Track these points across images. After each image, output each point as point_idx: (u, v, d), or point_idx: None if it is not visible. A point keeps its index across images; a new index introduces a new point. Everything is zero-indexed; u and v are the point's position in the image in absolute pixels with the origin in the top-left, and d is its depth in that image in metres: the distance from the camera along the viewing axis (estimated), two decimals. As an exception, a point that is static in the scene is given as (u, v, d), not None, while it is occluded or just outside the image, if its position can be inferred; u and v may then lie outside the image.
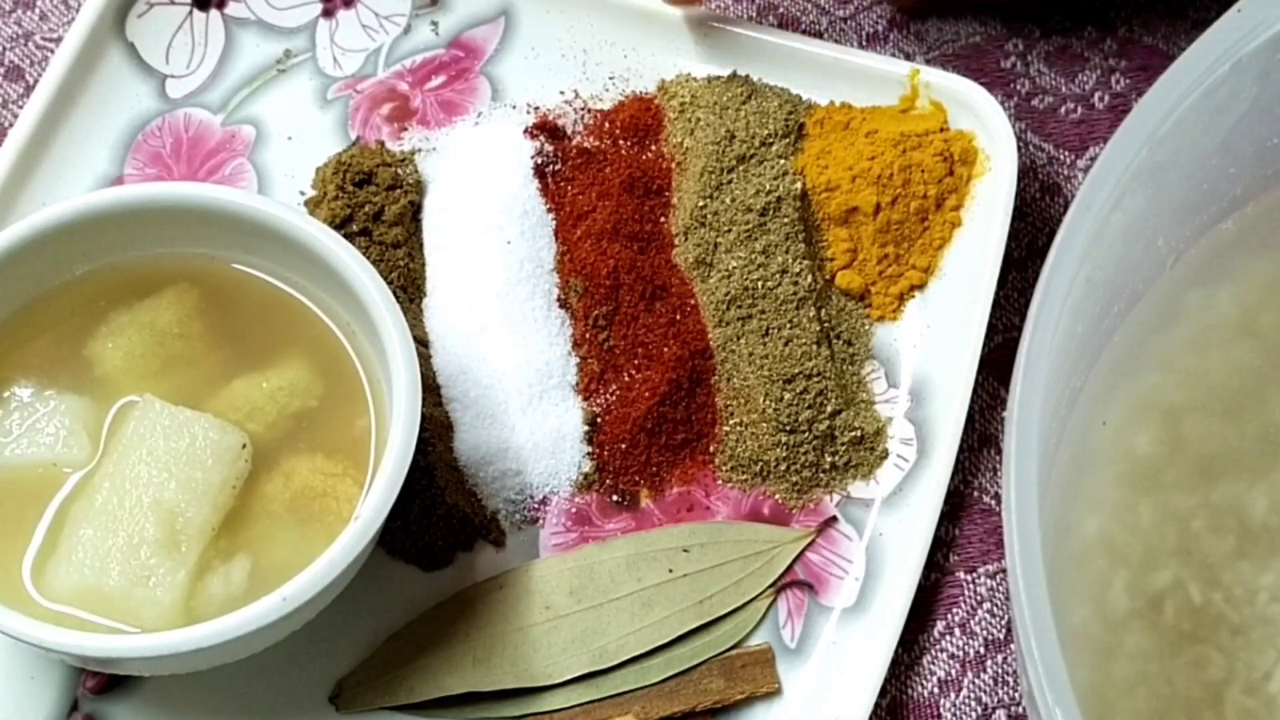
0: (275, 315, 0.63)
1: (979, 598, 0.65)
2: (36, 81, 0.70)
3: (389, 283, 0.60)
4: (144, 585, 0.57)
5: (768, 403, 0.65)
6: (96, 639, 0.55)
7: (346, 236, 0.65)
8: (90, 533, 0.57)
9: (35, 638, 0.55)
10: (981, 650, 0.64)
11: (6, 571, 0.58)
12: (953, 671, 0.64)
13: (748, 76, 0.71)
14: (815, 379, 0.65)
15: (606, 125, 0.71)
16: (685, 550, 0.64)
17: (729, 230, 0.68)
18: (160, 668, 0.59)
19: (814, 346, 0.66)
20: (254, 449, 0.60)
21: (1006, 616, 0.65)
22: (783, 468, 0.65)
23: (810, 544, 0.65)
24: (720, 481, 0.66)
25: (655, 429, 0.66)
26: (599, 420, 0.66)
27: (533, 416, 0.66)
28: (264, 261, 0.63)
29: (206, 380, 0.62)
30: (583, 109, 0.71)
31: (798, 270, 0.67)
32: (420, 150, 0.71)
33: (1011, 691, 0.64)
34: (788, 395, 0.65)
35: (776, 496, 0.66)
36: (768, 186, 0.68)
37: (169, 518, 0.58)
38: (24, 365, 0.61)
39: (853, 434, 0.65)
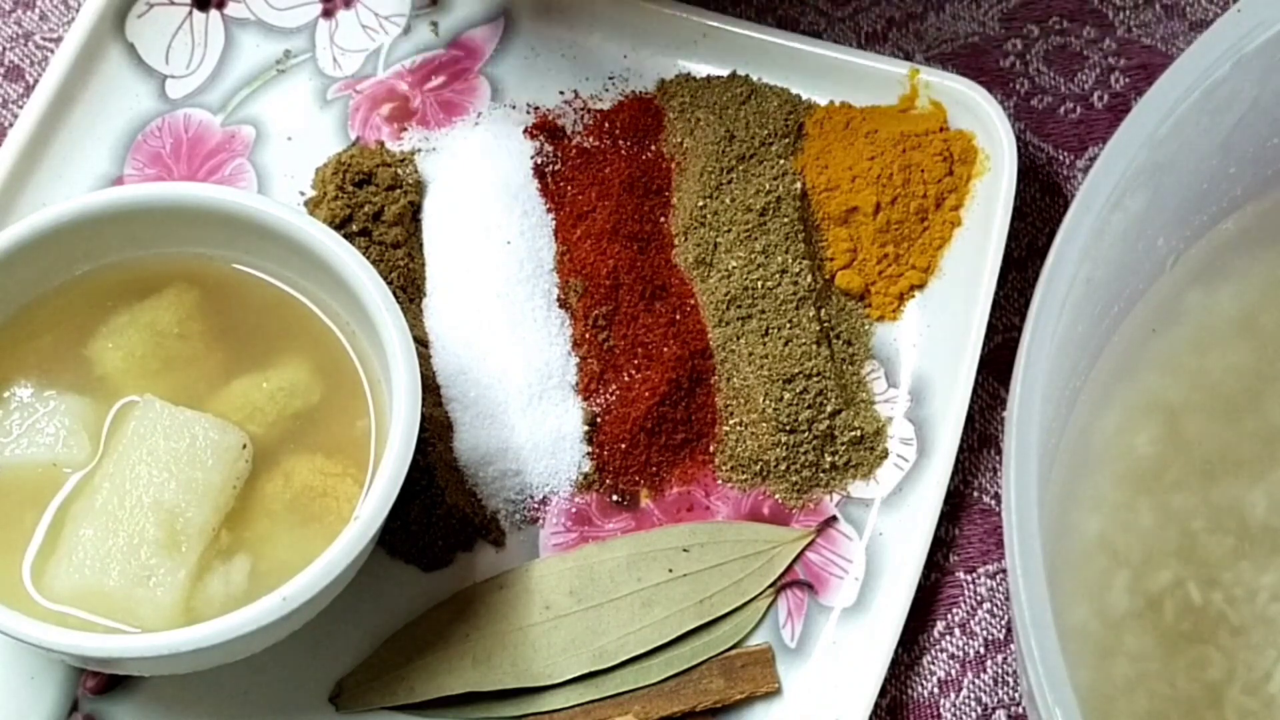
0: (275, 315, 0.63)
1: (979, 598, 0.65)
2: (36, 81, 0.70)
3: (389, 283, 0.60)
4: (144, 585, 0.57)
5: (768, 402, 0.65)
6: (96, 639, 0.55)
7: (346, 237, 0.65)
8: (90, 533, 0.57)
9: (35, 638, 0.55)
10: (981, 650, 0.64)
11: (6, 571, 0.58)
12: (953, 671, 0.64)
13: (748, 76, 0.71)
14: (815, 379, 0.65)
15: (606, 125, 0.71)
16: (685, 550, 0.64)
17: (729, 230, 0.68)
18: (160, 668, 0.59)
19: (814, 346, 0.66)
20: (254, 449, 0.60)
21: (1006, 616, 0.65)
22: (783, 468, 0.65)
23: (810, 544, 0.65)
24: (720, 481, 0.66)
25: (655, 429, 0.66)
26: (599, 420, 0.66)
27: (533, 416, 0.66)
28: (264, 261, 0.63)
29: (207, 380, 0.62)
30: (583, 109, 0.71)
31: (798, 270, 0.67)
32: (420, 150, 0.71)
33: (1011, 691, 0.64)
34: (788, 395, 0.65)
35: (776, 496, 0.66)
36: (768, 186, 0.68)
37: (169, 518, 0.58)
38: (24, 365, 0.61)
39: (852, 434, 0.65)
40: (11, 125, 0.70)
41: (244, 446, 0.59)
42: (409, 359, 0.59)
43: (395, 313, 0.59)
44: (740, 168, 0.69)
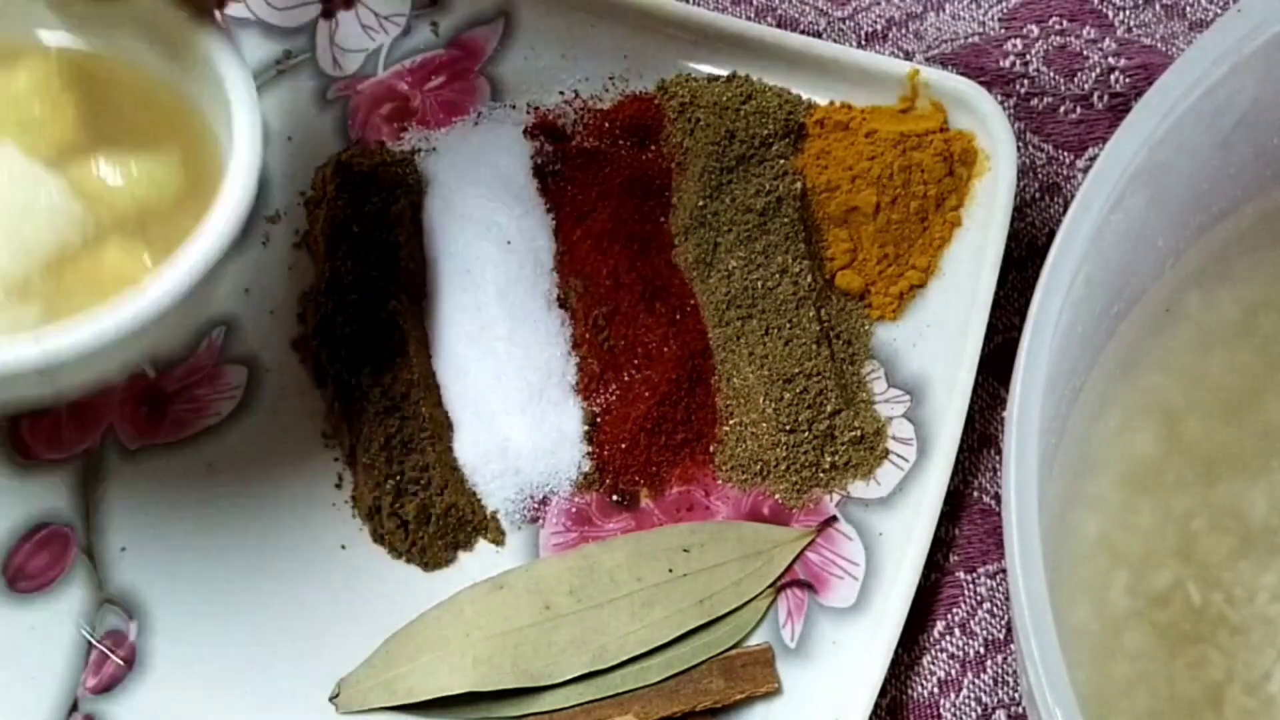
0: (152, 108, 0.60)
1: (979, 598, 0.65)
2: (36, 81, 0.70)
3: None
4: None
5: (767, 403, 0.65)
6: None
7: (346, 237, 0.65)
8: None
9: None
10: (981, 650, 0.64)
11: None
12: (953, 671, 0.64)
13: (748, 76, 0.71)
14: (815, 379, 0.65)
15: (606, 125, 0.71)
16: (685, 550, 0.64)
17: (729, 230, 0.68)
18: None
19: (814, 346, 0.66)
20: (91, 227, 0.57)
21: (1006, 616, 0.65)
22: (783, 467, 0.65)
23: (810, 544, 0.65)
24: (720, 481, 0.66)
25: (655, 429, 0.66)
26: (599, 420, 0.66)
27: (533, 416, 0.66)
28: (146, 57, 0.60)
29: (67, 151, 0.59)
30: (583, 109, 0.71)
31: (798, 270, 0.67)
32: (420, 150, 0.71)
33: (1011, 691, 0.64)
34: (788, 395, 0.65)
35: (776, 496, 0.66)
36: (768, 186, 0.68)
37: None
38: None
39: (852, 434, 0.65)
40: (11, 125, 0.70)
41: (84, 221, 0.57)
42: (253, 145, 0.56)
43: (248, 84, 0.57)
44: (740, 168, 0.69)
